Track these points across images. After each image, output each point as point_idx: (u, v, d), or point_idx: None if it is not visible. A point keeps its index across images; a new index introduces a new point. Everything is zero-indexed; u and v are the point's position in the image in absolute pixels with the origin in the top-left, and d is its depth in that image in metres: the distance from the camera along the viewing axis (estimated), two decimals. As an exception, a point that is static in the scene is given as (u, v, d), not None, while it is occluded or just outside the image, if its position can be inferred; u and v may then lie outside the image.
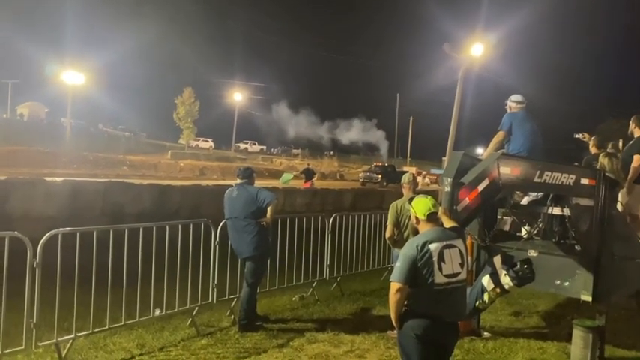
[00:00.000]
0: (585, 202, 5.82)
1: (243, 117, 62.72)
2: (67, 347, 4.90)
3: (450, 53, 26.63)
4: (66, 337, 4.91)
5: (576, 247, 5.87)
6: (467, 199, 4.74)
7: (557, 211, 6.09)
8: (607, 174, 5.73)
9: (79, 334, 5.02)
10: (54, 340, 4.78)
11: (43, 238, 4.68)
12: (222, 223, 6.42)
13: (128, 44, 57.17)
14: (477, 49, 27.01)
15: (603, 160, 5.93)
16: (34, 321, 4.62)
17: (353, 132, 56.51)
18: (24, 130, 46.84)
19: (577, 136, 7.86)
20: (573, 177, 5.41)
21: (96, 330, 5.18)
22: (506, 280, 5.39)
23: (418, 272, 3.53)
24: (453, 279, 3.59)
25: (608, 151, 6.56)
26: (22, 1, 68.94)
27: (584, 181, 5.54)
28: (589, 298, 5.52)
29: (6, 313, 4.56)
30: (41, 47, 55.68)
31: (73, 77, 45.35)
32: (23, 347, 4.61)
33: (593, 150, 7.10)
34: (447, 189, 4.78)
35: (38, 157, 33.33)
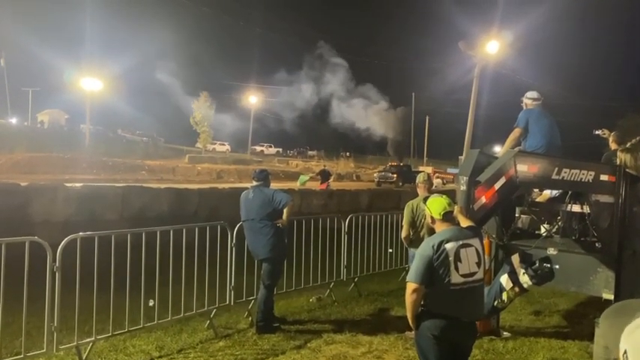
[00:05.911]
0: (605, 198, 5.72)
1: (259, 119, 62.90)
2: (87, 350, 4.97)
3: (466, 51, 26.44)
4: (86, 340, 4.97)
5: (597, 244, 5.77)
6: (483, 197, 4.70)
7: (576, 208, 6.00)
8: (628, 170, 5.63)
9: (99, 337, 5.08)
10: (74, 344, 4.85)
11: (62, 243, 4.75)
12: (238, 225, 6.45)
13: (144, 50, 57.73)
14: (492, 47, 26.80)
15: (624, 156, 5.82)
16: (55, 324, 4.68)
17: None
18: (44, 136, 47.57)
19: (597, 132, 7.73)
20: (592, 173, 5.33)
21: (115, 333, 5.24)
22: (524, 279, 5.32)
23: (434, 272, 3.50)
24: (470, 279, 3.55)
25: (627, 146, 6.44)
26: (41, 10, 70.35)
27: (604, 178, 5.46)
28: (611, 297, 5.43)
29: (27, 316, 4.63)
30: (60, 55, 56.49)
31: (91, 84, 46.04)
32: (44, 350, 4.68)
33: (613, 146, 6.96)
34: (463, 187, 4.74)
35: (58, 163, 33.84)
